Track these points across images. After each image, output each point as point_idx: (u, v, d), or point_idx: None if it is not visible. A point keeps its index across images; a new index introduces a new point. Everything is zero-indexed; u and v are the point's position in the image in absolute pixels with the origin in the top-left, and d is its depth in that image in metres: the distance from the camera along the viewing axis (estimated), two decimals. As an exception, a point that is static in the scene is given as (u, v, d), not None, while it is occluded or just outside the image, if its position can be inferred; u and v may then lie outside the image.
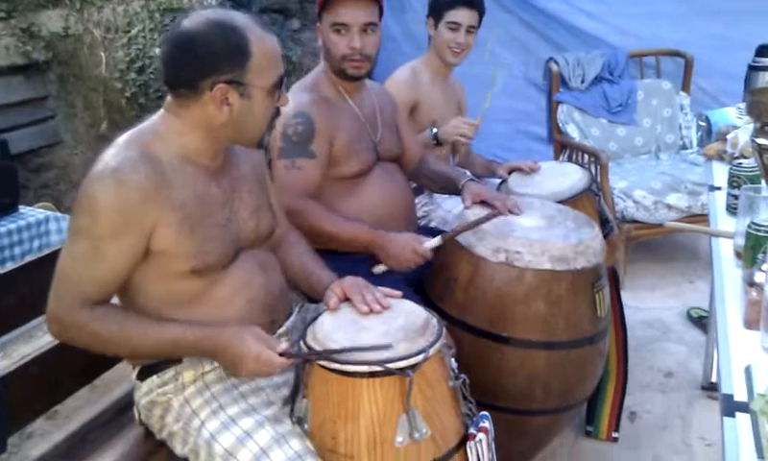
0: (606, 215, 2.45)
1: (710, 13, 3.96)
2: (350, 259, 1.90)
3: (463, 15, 2.55)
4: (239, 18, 1.40)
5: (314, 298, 1.67)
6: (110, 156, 1.36)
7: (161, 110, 1.47)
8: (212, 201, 1.45)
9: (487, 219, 1.88)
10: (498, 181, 2.53)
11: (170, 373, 1.49)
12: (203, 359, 1.48)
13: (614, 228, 2.55)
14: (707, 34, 3.96)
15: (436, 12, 2.58)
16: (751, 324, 1.33)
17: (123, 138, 1.41)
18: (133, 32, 3.60)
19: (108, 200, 1.32)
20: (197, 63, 1.36)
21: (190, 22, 1.38)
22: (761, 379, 1.14)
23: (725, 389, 1.15)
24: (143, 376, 1.52)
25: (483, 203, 2.03)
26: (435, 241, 1.90)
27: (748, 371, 1.18)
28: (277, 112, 1.49)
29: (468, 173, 2.33)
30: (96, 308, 1.38)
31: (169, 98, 1.45)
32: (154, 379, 1.51)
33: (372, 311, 1.48)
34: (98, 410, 1.75)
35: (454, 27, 2.55)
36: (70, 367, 1.72)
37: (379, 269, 1.92)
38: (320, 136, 1.94)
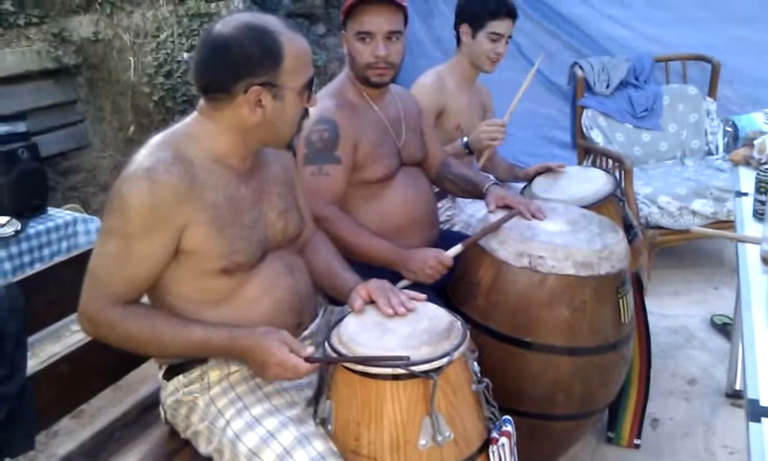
0: (630, 221, 2.43)
1: (737, 19, 3.93)
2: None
3: (505, 26, 2.53)
4: (271, 21, 1.43)
5: (338, 300, 1.68)
6: (143, 156, 1.39)
7: (194, 113, 1.49)
8: (242, 202, 1.48)
9: (504, 220, 1.89)
10: (521, 186, 2.53)
11: (196, 372, 1.51)
12: (229, 360, 1.50)
13: (639, 234, 2.54)
14: (733, 38, 3.93)
15: (476, 21, 2.55)
16: (777, 330, 1.32)
17: (155, 140, 1.43)
18: (162, 37, 3.65)
19: (141, 199, 1.34)
20: (231, 67, 1.38)
21: (223, 26, 1.41)
22: (787, 386, 1.13)
23: (750, 394, 1.14)
24: (170, 375, 1.54)
25: (507, 207, 2.02)
26: (456, 249, 1.91)
27: (774, 377, 1.17)
28: (306, 113, 1.52)
29: (492, 177, 2.33)
30: (128, 308, 1.40)
31: (202, 101, 1.47)
32: (180, 379, 1.53)
33: (396, 314, 1.49)
34: (123, 409, 1.77)
35: (496, 38, 2.53)
36: (97, 366, 1.75)
37: (403, 284, 1.91)
38: (344, 142, 1.96)
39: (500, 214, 1.99)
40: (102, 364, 1.75)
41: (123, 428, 1.72)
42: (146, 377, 1.86)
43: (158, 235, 1.37)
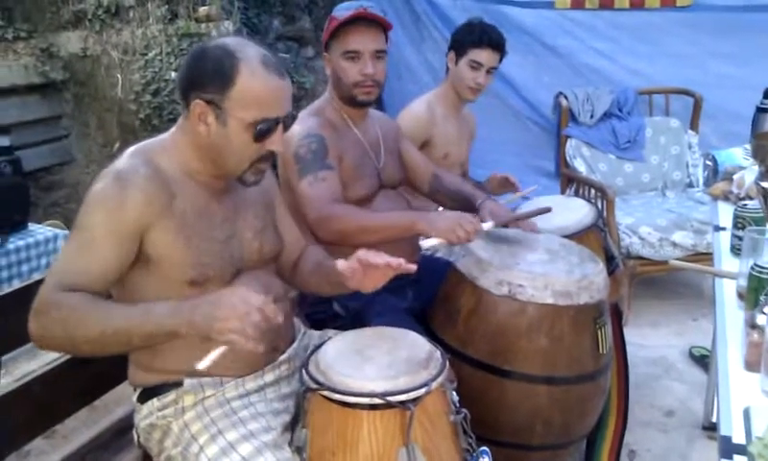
0: (611, 252, 2.45)
1: (720, 55, 3.99)
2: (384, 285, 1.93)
3: (486, 56, 2.56)
4: (248, 50, 1.42)
5: (339, 294, 1.69)
6: (118, 161, 1.43)
7: (173, 127, 1.53)
8: (213, 216, 1.48)
9: (540, 212, 1.96)
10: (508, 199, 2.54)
11: (171, 396, 1.49)
12: (203, 384, 1.48)
13: (620, 264, 2.56)
14: (716, 74, 3.98)
15: (459, 48, 2.58)
16: (751, 365, 1.33)
17: (131, 149, 1.47)
18: (150, 55, 3.65)
19: (106, 194, 1.36)
20: (188, 77, 1.44)
21: (210, 41, 1.47)
22: (760, 422, 1.14)
23: (724, 431, 1.15)
24: (144, 398, 1.53)
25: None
26: (489, 224, 1.94)
27: (747, 413, 1.18)
28: (265, 157, 1.48)
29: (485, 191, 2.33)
30: (77, 291, 1.33)
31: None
32: (154, 402, 1.51)
33: (389, 265, 1.47)
34: (96, 432, 1.75)
35: (475, 66, 2.56)
36: (72, 386, 1.72)
37: (428, 243, 1.88)
38: (332, 153, 1.97)
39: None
40: (77, 384, 1.73)
41: (95, 451, 1.70)
42: (121, 399, 1.83)
43: (120, 233, 1.37)
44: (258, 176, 1.50)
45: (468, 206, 2.24)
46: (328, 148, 1.95)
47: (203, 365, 1.28)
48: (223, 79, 1.39)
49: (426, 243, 1.88)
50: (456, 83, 2.62)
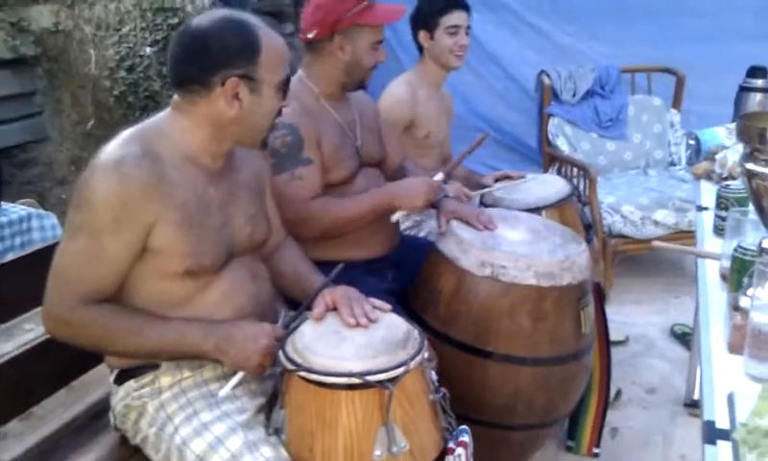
0: (587, 221, 2.48)
1: (702, 35, 3.98)
2: (363, 268, 1.95)
3: (459, 17, 2.55)
4: (249, 16, 1.44)
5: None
6: (112, 148, 1.36)
7: (167, 109, 1.47)
8: (210, 202, 1.45)
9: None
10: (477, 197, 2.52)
11: (148, 377, 1.48)
12: (181, 365, 1.46)
13: (593, 238, 2.58)
14: (698, 54, 3.97)
15: (430, 22, 2.56)
16: (735, 348, 1.32)
17: (126, 133, 1.40)
18: (124, 30, 3.57)
19: (110, 193, 1.31)
20: (209, 58, 1.38)
21: (202, 19, 1.42)
22: (744, 407, 1.12)
23: (707, 415, 1.13)
24: (121, 380, 1.50)
25: (458, 220, 1.99)
26: (439, 175, 2.00)
27: (730, 398, 1.16)
28: (280, 112, 1.51)
29: (446, 188, 2.29)
30: (102, 305, 1.37)
31: (176, 97, 1.45)
32: (131, 384, 1.49)
33: (358, 324, 1.46)
34: (72, 415, 1.72)
35: (454, 31, 2.54)
36: (49, 368, 1.69)
37: (397, 216, 1.99)
38: (309, 143, 1.92)
39: (457, 228, 1.96)
40: (54, 365, 1.69)
41: (72, 434, 1.67)
42: (100, 379, 1.79)
43: (127, 231, 1.34)
44: (272, 133, 1.54)
45: None
46: (304, 140, 1.91)
47: (223, 392, 1.42)
48: (251, 50, 1.39)
49: (396, 216, 1.97)
50: (438, 56, 2.59)
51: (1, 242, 2.93)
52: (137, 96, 3.57)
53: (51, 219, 3.08)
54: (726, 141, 2.47)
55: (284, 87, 1.47)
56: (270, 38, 1.42)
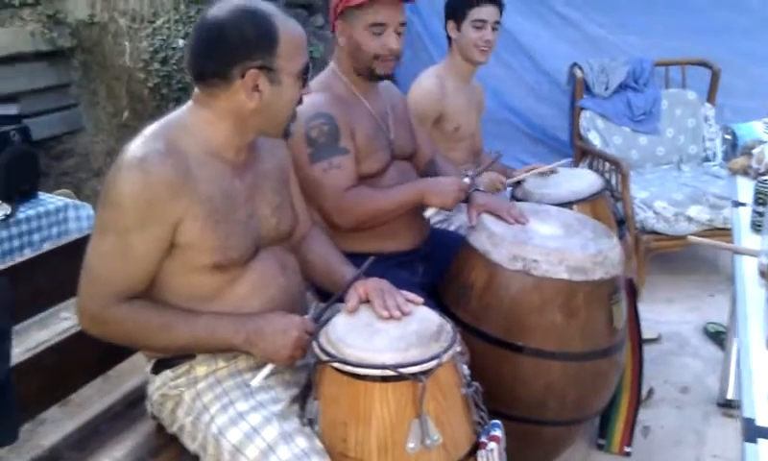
0: (620, 216, 2.47)
1: (737, 29, 3.91)
2: (394, 261, 1.96)
3: (488, 12, 2.52)
4: (265, 5, 1.42)
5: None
6: (136, 146, 1.36)
7: (189, 103, 1.47)
8: (237, 196, 1.46)
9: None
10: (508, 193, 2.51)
11: (184, 367, 1.49)
12: (216, 355, 1.48)
13: (626, 233, 2.57)
14: (734, 48, 3.90)
15: (458, 13, 2.54)
16: (774, 345, 1.30)
17: (149, 130, 1.41)
18: (158, 22, 3.61)
19: (136, 191, 1.32)
20: (227, 50, 1.37)
21: (218, 11, 1.39)
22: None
23: (747, 413, 1.12)
24: (157, 369, 1.53)
25: (489, 213, 1.98)
26: (466, 180, 2.00)
27: (771, 395, 1.15)
28: (300, 101, 1.50)
29: (477, 180, 2.27)
30: (133, 302, 1.39)
31: (197, 90, 1.45)
32: (167, 373, 1.51)
33: (391, 316, 1.47)
34: (110, 402, 1.75)
35: (480, 25, 2.52)
36: (85, 356, 1.72)
37: (429, 212, 2.02)
38: (344, 132, 1.92)
39: (488, 220, 1.97)
40: (90, 354, 1.72)
41: (110, 421, 1.69)
42: (135, 368, 1.82)
43: (154, 229, 1.35)
44: (294, 121, 1.52)
45: None
46: (340, 129, 1.91)
47: (255, 382, 1.43)
48: (268, 40, 1.38)
49: (428, 212, 2.01)
50: (464, 49, 2.57)
51: (38, 232, 2.99)
52: (171, 88, 3.60)
53: (87, 209, 3.13)
54: (763, 136, 2.43)
55: (304, 75, 1.46)
56: (287, 27, 1.41)
